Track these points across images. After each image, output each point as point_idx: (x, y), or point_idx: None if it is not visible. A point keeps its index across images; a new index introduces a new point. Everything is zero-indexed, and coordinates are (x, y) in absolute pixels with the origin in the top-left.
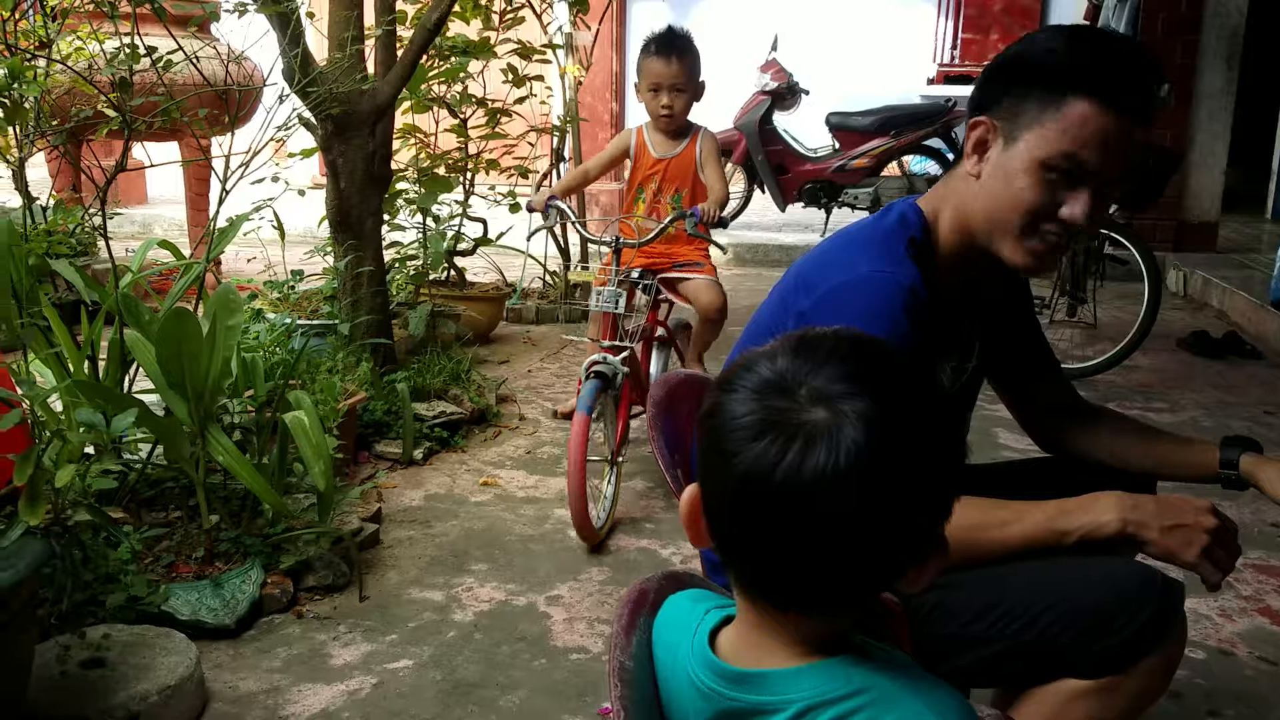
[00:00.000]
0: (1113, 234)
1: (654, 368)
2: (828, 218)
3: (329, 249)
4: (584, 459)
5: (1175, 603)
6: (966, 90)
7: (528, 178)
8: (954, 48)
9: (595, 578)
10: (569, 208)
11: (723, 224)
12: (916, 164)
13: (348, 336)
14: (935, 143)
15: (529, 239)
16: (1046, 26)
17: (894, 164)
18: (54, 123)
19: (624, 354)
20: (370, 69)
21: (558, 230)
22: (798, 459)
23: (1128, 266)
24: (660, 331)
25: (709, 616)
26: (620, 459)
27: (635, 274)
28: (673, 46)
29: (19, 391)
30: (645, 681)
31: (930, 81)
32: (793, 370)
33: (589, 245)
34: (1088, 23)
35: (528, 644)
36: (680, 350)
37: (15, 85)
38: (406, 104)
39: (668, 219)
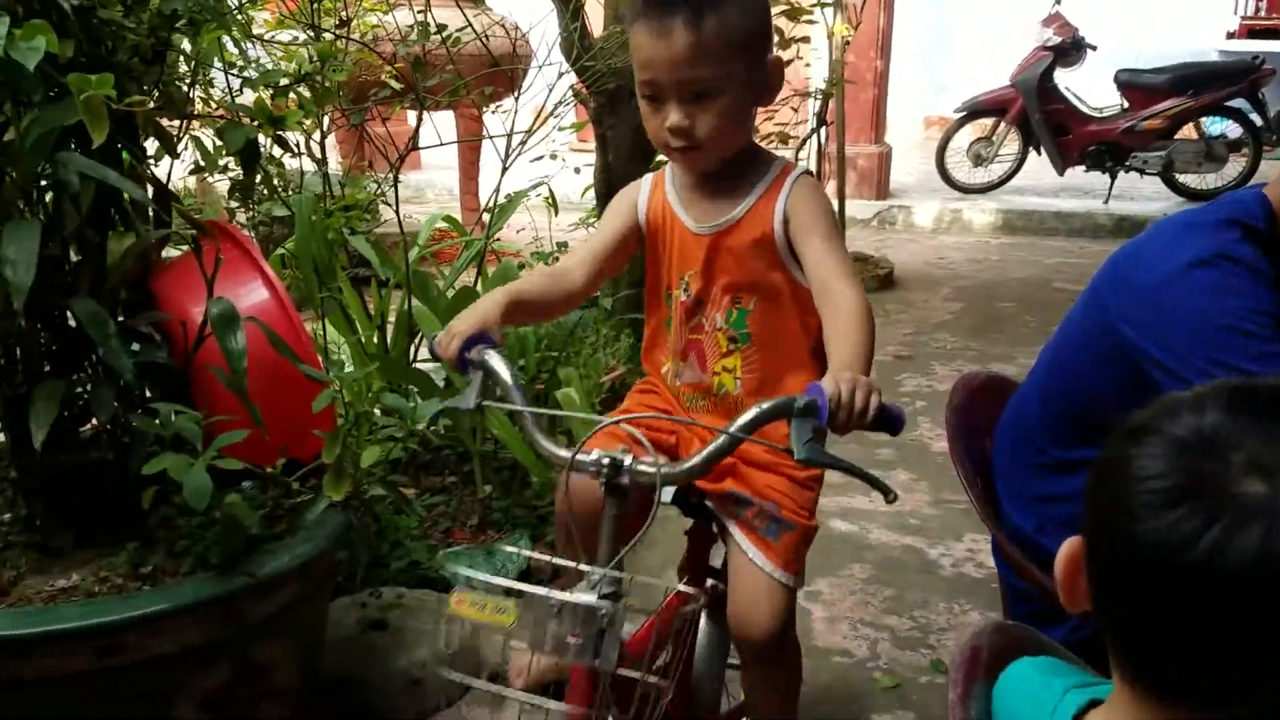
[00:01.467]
0: None
1: (699, 663)
2: (1113, 182)
3: (593, 220)
4: None
5: None
6: (1273, 45)
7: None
8: None
9: (857, 575)
10: (506, 364)
11: (890, 424)
12: (1212, 125)
13: (609, 310)
14: (1239, 103)
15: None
16: None
17: (1189, 126)
18: (343, 96)
19: None
20: None
21: None
22: (1223, 538)
23: None
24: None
25: (1069, 698)
26: None
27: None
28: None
29: (324, 370)
30: None
31: (1230, 35)
32: (1226, 428)
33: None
34: None
35: None
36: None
37: (324, 69)
38: None
39: (748, 415)
